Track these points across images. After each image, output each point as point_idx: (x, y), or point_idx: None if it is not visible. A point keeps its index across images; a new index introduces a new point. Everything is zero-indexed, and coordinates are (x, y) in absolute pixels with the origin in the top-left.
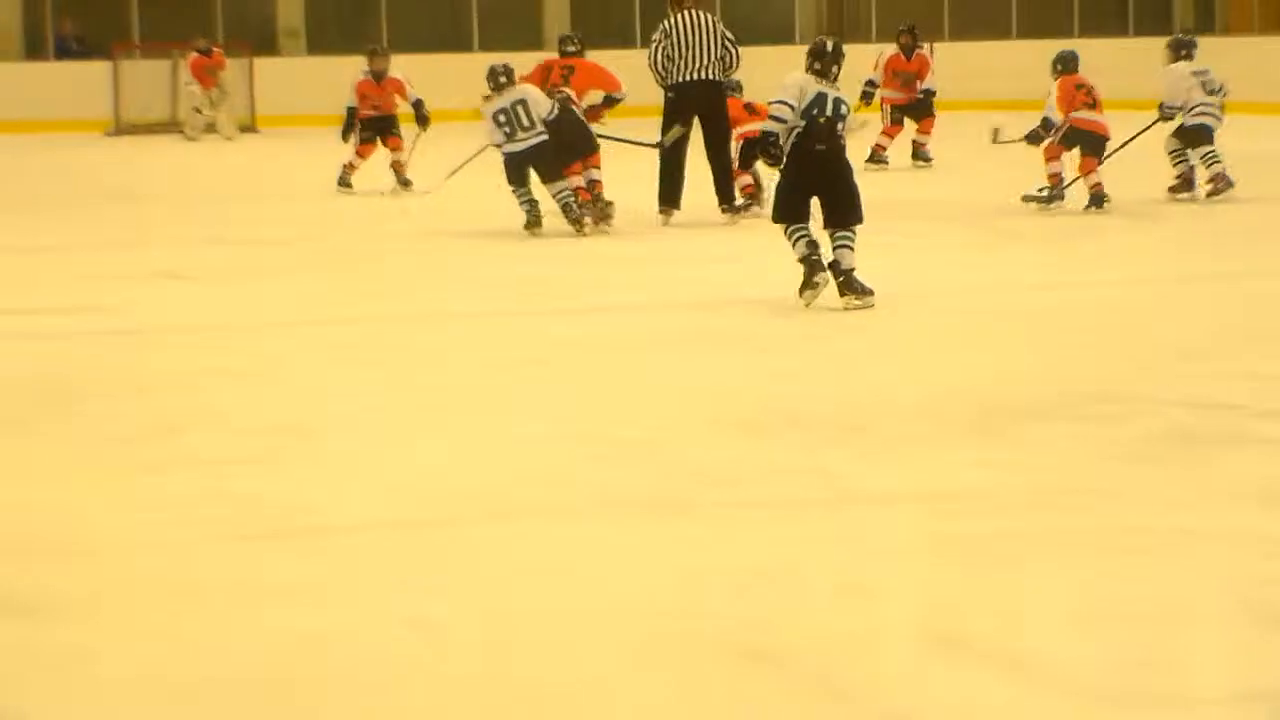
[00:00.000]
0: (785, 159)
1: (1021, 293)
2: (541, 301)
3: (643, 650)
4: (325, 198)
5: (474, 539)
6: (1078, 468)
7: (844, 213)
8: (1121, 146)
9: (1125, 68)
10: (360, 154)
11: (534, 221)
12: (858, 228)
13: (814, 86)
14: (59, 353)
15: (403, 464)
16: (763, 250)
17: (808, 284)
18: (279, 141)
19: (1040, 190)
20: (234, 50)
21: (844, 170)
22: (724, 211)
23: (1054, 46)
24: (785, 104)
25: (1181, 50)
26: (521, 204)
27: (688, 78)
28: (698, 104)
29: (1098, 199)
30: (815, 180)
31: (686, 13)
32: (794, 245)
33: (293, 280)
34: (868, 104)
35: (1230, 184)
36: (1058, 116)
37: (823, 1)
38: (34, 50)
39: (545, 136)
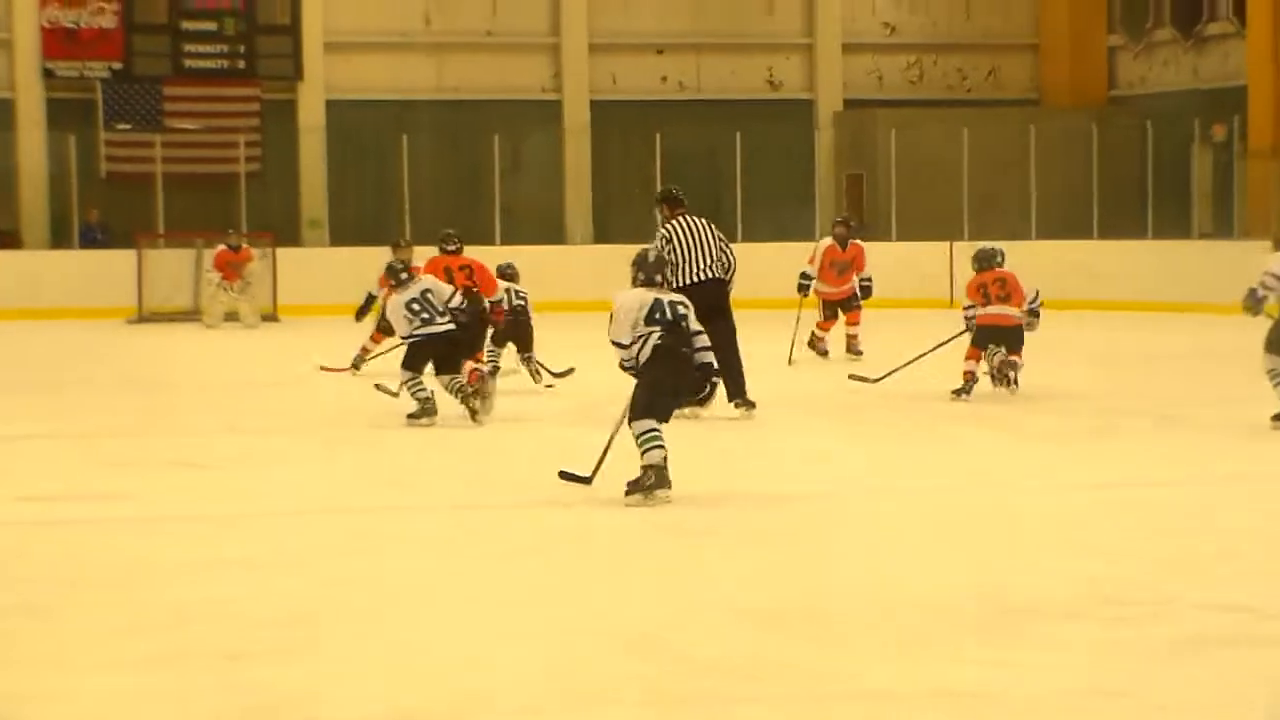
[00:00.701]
0: (645, 363)
1: (1046, 493)
2: (536, 492)
3: None
4: (343, 385)
5: None
6: (1097, 669)
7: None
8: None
9: (1145, 270)
10: (375, 339)
11: (430, 410)
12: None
13: (649, 297)
14: (75, 539)
15: (411, 655)
16: (760, 443)
17: (647, 489)
18: (300, 330)
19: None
20: (257, 240)
21: (690, 361)
22: (736, 407)
23: (1073, 248)
24: (618, 342)
25: None
26: (416, 393)
27: (694, 279)
28: (705, 302)
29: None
30: (679, 379)
31: (683, 218)
32: (645, 447)
33: (307, 468)
34: (804, 295)
35: None
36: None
37: (843, 201)
38: (59, 239)
39: (453, 326)
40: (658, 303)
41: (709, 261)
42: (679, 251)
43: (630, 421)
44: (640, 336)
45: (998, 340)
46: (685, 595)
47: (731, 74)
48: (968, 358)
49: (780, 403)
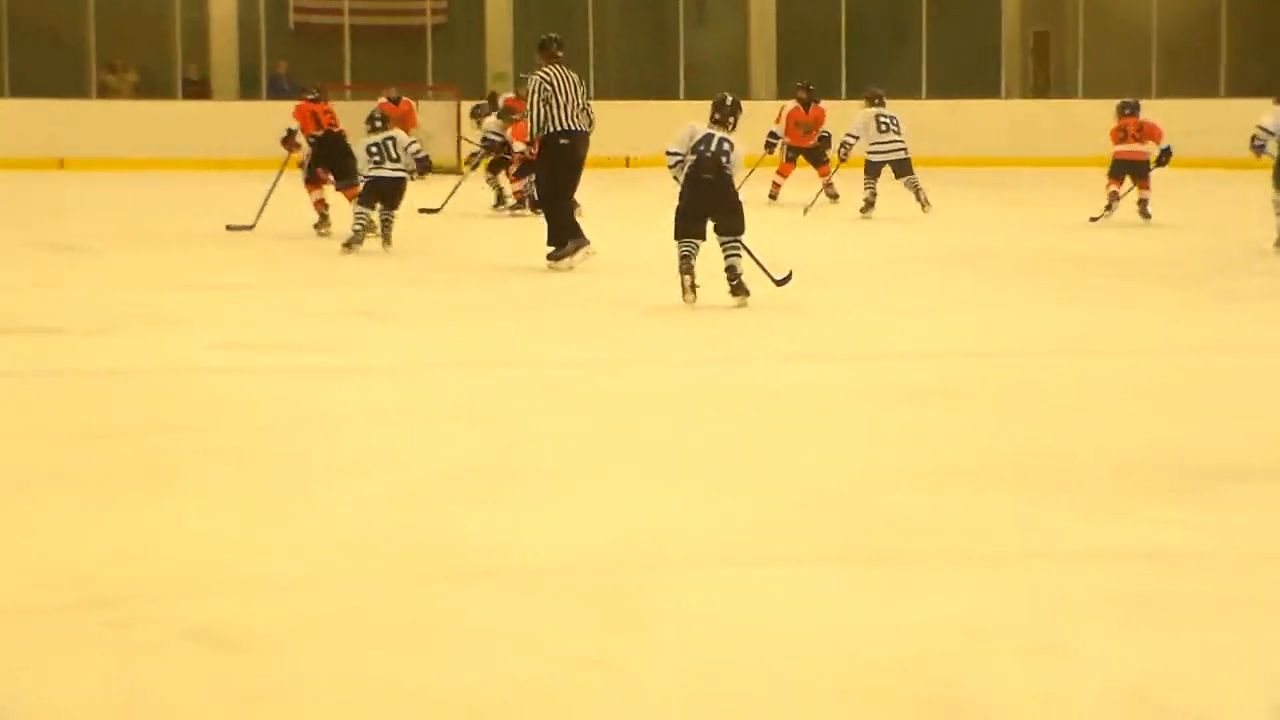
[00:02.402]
0: (682, 184)
1: (1236, 354)
2: (728, 349)
3: (833, 704)
4: (525, 236)
5: (668, 585)
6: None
7: (731, 226)
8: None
9: None
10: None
11: (358, 240)
12: (742, 237)
13: (702, 129)
14: (263, 388)
15: (597, 510)
16: (961, 302)
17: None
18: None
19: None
20: (442, 93)
21: (728, 194)
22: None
23: (1261, 107)
24: (669, 151)
25: None
26: (361, 221)
27: (568, 126)
28: (576, 154)
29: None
30: (706, 203)
31: (559, 67)
32: (680, 258)
33: (493, 323)
34: (770, 152)
35: None
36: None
37: (1029, 60)
38: (248, 89)
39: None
40: (709, 136)
41: (579, 112)
42: (556, 96)
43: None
44: (686, 160)
45: (1129, 171)
46: (872, 455)
47: None
48: (1108, 186)
49: (950, 257)
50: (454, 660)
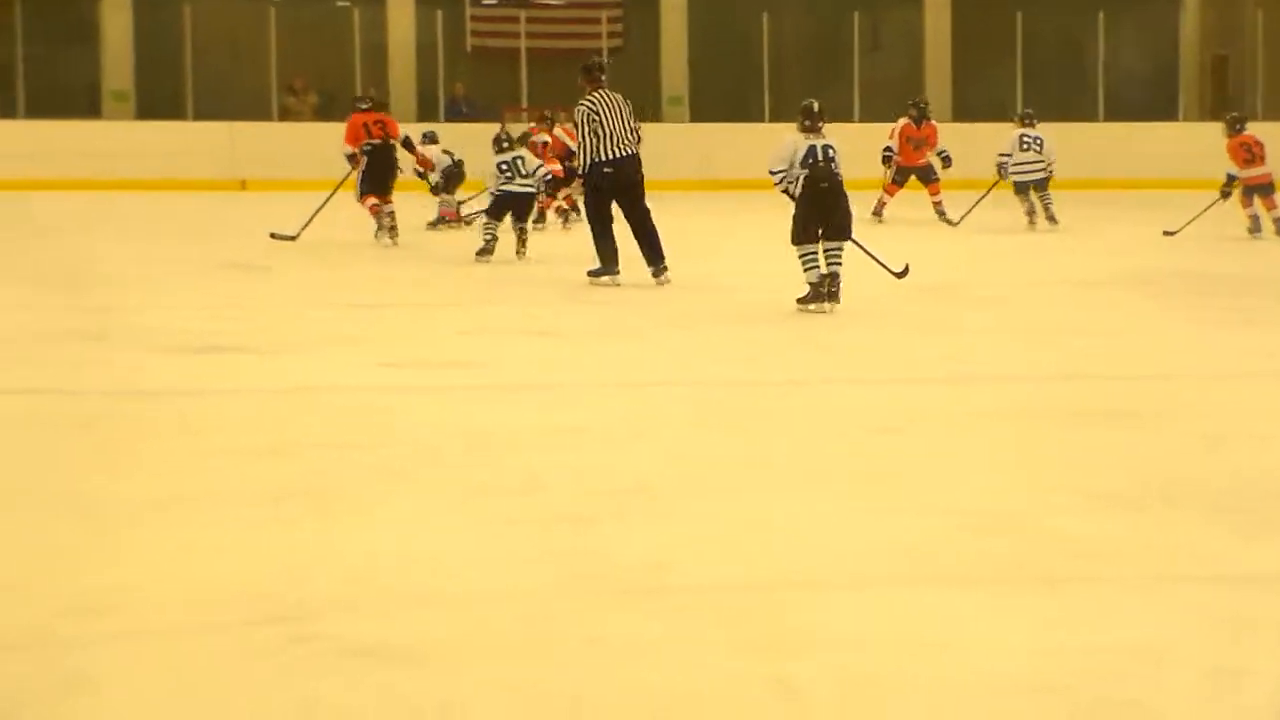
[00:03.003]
0: (798, 196)
1: None
2: (884, 369)
3: None
4: (704, 257)
5: (833, 604)
6: None
7: (843, 229)
8: None
9: None
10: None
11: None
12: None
13: (804, 142)
14: (432, 404)
15: (759, 528)
16: (1122, 323)
17: (813, 299)
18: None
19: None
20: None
21: (841, 199)
22: (655, 275)
23: None
24: (772, 170)
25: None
26: (489, 235)
27: (617, 154)
28: (626, 178)
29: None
30: (821, 209)
31: (603, 92)
32: (806, 267)
33: (653, 340)
34: (888, 166)
35: None
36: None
37: (1208, 82)
38: (426, 112)
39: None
40: (812, 147)
41: (629, 137)
42: (604, 124)
43: (793, 245)
44: (796, 174)
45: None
46: (1035, 475)
47: None
48: (1244, 207)
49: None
50: (620, 677)
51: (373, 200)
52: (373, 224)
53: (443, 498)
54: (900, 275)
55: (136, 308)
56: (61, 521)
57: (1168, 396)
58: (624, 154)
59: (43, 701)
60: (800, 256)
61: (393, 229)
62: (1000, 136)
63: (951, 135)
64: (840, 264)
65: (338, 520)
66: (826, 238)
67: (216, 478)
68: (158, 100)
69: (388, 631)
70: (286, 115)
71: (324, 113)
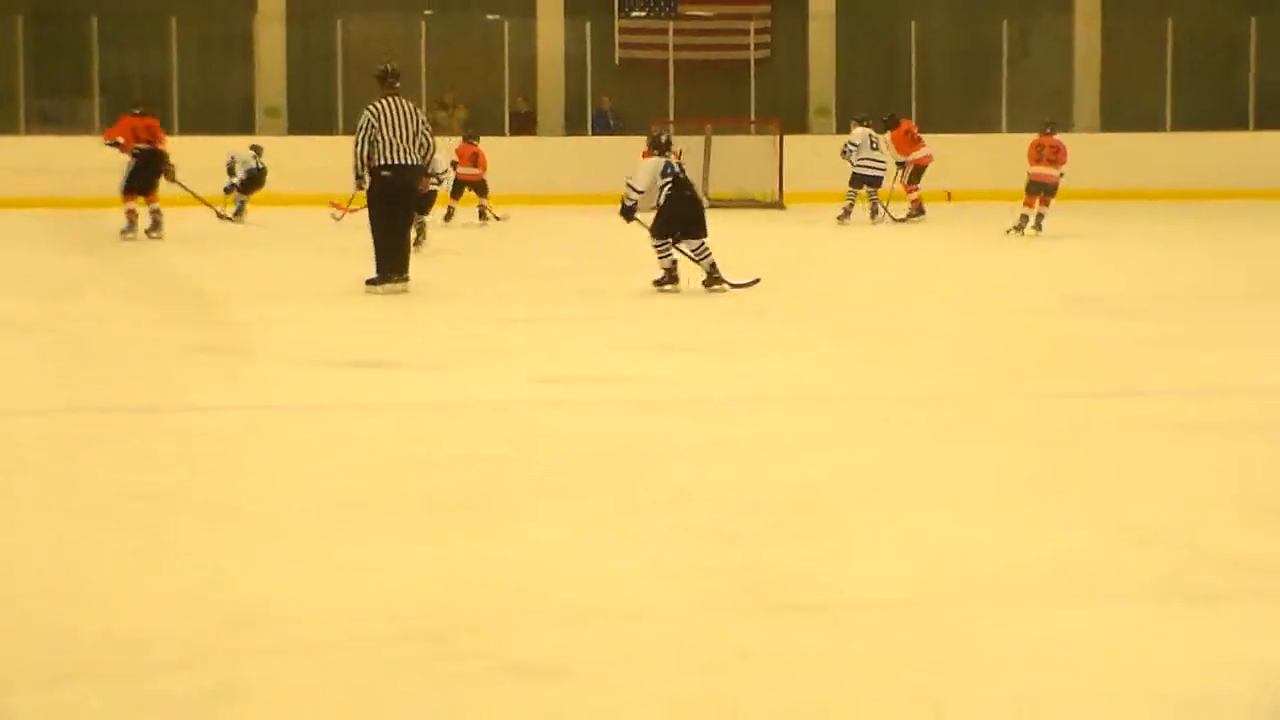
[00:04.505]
0: (665, 201)
1: None
2: (1039, 382)
3: None
4: (847, 270)
5: (988, 620)
6: None
7: (702, 230)
8: None
9: None
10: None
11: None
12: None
13: (660, 161)
14: (581, 420)
15: (913, 543)
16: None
17: (667, 282)
18: (801, 216)
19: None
20: (764, 127)
21: (699, 204)
22: (395, 281)
23: None
24: (633, 185)
25: None
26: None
27: (391, 160)
28: (399, 186)
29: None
30: (685, 211)
31: (392, 99)
32: (660, 256)
33: (801, 354)
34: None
35: None
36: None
37: None
38: (574, 124)
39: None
40: (668, 164)
41: (407, 146)
42: (383, 132)
43: (654, 238)
44: (658, 187)
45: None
46: (1192, 490)
47: None
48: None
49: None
50: (771, 692)
51: (134, 201)
52: (123, 223)
53: (592, 512)
54: (737, 286)
55: (282, 321)
56: (212, 534)
57: None
58: (400, 162)
59: (193, 713)
60: (657, 247)
61: (157, 225)
62: (1147, 145)
63: (1099, 145)
64: (710, 254)
65: (487, 534)
66: (690, 236)
67: (367, 491)
68: (310, 115)
69: (535, 646)
70: (436, 129)
71: (472, 126)
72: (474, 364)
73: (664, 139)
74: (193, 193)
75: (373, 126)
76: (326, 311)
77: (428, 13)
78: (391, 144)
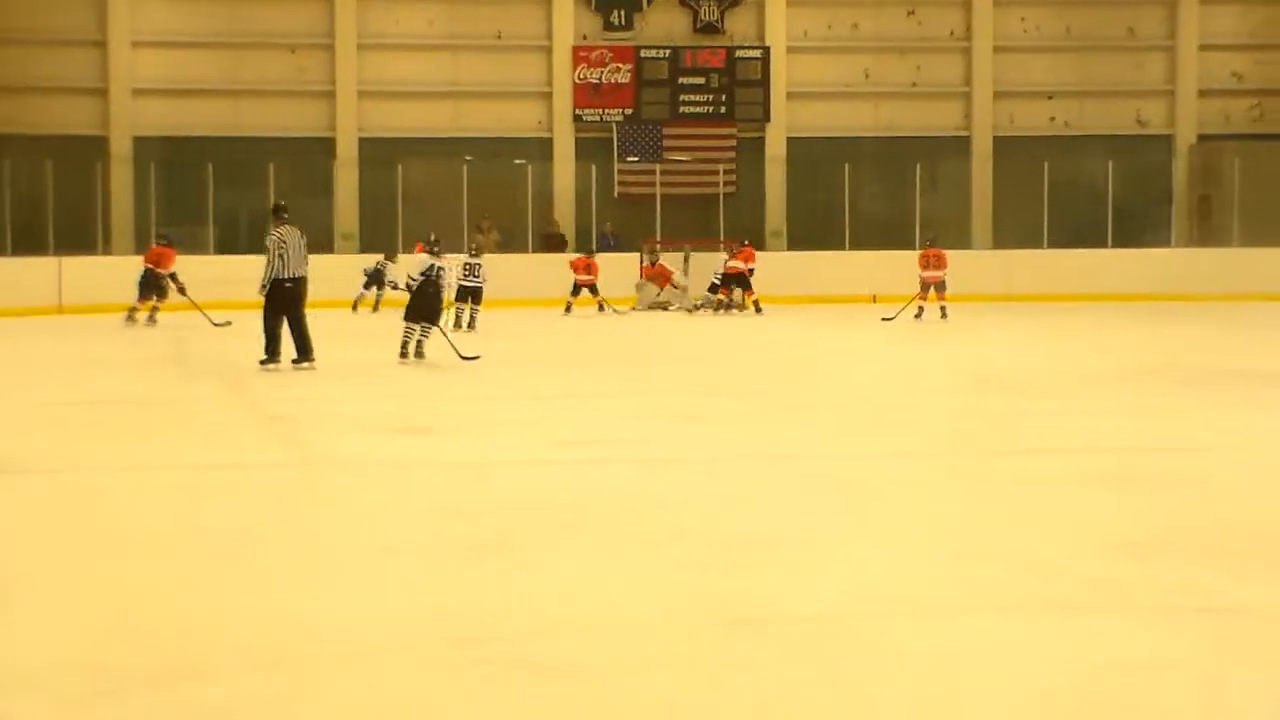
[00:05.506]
0: (416, 291)
1: None
2: (957, 445)
3: None
4: (809, 362)
5: (905, 630)
6: None
7: (436, 317)
8: None
9: None
10: None
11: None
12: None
13: (430, 260)
14: (588, 475)
15: (847, 570)
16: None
17: (404, 355)
18: (776, 317)
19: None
20: (729, 245)
21: (439, 299)
22: (295, 363)
23: None
24: (411, 275)
25: None
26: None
27: (292, 274)
28: (296, 293)
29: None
30: (432, 303)
31: (286, 227)
32: (405, 335)
33: (761, 422)
34: (713, 293)
35: None
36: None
37: (1194, 216)
38: (583, 243)
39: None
40: (431, 265)
41: (300, 262)
42: (288, 252)
43: (405, 320)
44: (421, 277)
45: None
46: (1072, 528)
47: (1106, 114)
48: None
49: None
50: (734, 691)
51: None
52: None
53: (603, 547)
54: (469, 359)
55: (333, 399)
56: (282, 565)
57: (1184, 465)
58: (298, 274)
59: (266, 711)
60: (406, 328)
61: (152, 320)
62: (1029, 259)
63: (991, 259)
64: (430, 335)
65: (514, 565)
66: (427, 320)
67: (415, 532)
68: (376, 238)
69: (553, 651)
70: (476, 248)
71: (504, 245)
72: (503, 431)
73: (436, 242)
74: (193, 301)
75: (281, 246)
76: (369, 389)
77: (468, 158)
78: (294, 261)
